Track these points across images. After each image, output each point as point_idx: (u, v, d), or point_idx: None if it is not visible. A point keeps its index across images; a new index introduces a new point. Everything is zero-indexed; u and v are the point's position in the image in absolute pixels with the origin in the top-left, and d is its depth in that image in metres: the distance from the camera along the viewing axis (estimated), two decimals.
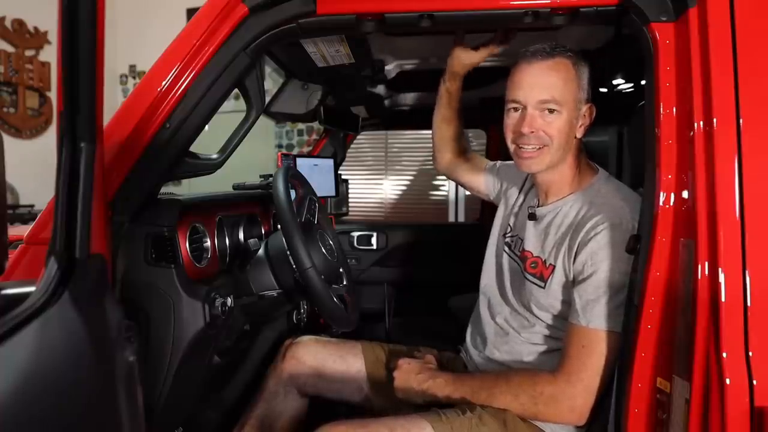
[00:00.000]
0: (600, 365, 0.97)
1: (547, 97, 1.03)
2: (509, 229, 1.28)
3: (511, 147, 1.10)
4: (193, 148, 1.05)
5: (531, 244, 1.15)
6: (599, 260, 0.98)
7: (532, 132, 1.04)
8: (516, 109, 1.07)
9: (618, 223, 0.99)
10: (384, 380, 1.32)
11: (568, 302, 1.04)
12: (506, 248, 1.26)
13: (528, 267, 1.13)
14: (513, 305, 1.18)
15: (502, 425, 1.05)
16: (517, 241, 1.23)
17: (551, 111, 1.03)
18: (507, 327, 1.19)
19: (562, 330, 1.06)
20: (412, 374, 1.14)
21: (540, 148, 1.06)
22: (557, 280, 1.06)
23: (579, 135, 1.09)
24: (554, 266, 1.07)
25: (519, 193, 1.30)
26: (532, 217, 1.17)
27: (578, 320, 0.99)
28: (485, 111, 1.96)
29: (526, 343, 1.15)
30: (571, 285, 1.03)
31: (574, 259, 1.02)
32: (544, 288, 1.08)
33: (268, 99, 1.63)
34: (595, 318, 0.97)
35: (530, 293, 1.11)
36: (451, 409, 1.07)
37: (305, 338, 1.42)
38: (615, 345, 0.96)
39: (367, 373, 1.34)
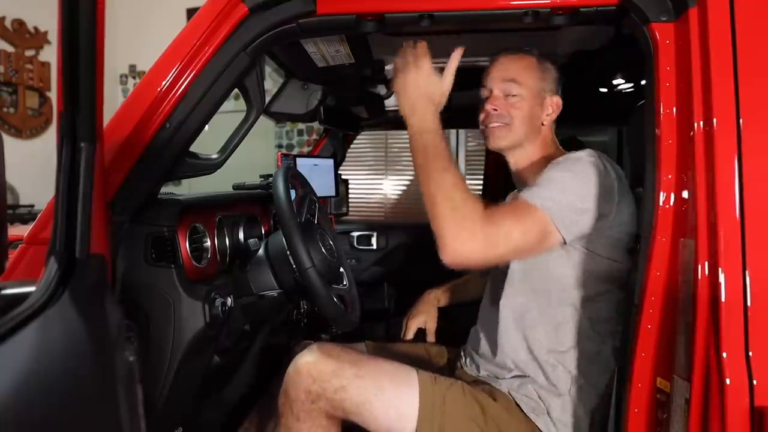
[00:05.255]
0: (514, 233, 0.93)
1: (507, 76, 1.14)
2: None
3: (481, 128, 1.19)
4: (193, 148, 1.06)
5: None
6: (547, 170, 1.02)
7: (495, 110, 1.14)
8: (485, 96, 1.17)
9: (577, 158, 1.02)
10: None
11: (562, 269, 1.06)
12: None
13: None
14: (515, 287, 1.15)
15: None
16: None
17: (513, 95, 1.13)
18: (511, 323, 1.18)
19: (567, 306, 1.07)
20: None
21: (502, 125, 1.14)
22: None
23: (546, 123, 1.18)
24: None
25: None
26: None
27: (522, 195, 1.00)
28: None
29: (534, 333, 1.12)
30: None
31: None
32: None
33: (268, 99, 1.63)
34: (535, 196, 0.97)
35: (531, 265, 1.10)
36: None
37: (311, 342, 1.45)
38: (540, 230, 0.95)
39: None
